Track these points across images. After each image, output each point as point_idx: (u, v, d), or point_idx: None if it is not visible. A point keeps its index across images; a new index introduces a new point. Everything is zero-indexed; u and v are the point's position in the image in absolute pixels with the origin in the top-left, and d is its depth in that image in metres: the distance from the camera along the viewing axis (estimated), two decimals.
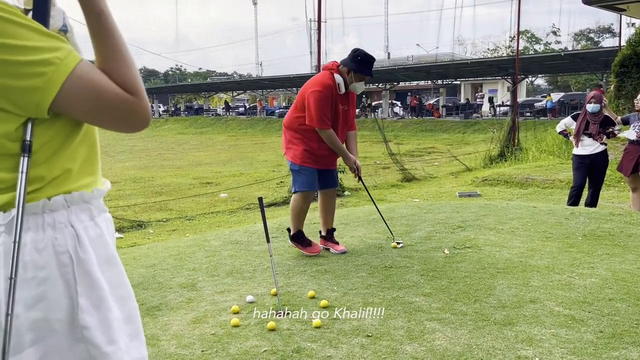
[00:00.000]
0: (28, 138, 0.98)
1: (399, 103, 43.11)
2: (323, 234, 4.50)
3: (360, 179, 4.41)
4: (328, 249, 4.41)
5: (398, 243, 4.43)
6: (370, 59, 4.19)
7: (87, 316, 1.01)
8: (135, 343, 1.12)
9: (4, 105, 0.96)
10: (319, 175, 4.30)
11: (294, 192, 4.30)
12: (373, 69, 4.27)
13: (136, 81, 1.05)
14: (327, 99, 4.04)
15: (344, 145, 4.32)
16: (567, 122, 7.03)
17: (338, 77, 4.12)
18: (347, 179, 11.47)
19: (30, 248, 0.98)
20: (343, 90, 4.14)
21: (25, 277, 0.97)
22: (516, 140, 15.55)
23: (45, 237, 1.00)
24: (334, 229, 4.49)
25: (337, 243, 4.44)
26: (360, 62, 4.14)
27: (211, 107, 55.82)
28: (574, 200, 6.76)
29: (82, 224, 1.06)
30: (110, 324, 1.06)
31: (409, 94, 44.46)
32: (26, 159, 0.98)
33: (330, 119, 4.08)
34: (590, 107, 6.52)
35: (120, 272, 1.13)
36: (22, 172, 0.97)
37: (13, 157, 0.99)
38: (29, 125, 0.98)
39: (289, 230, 4.37)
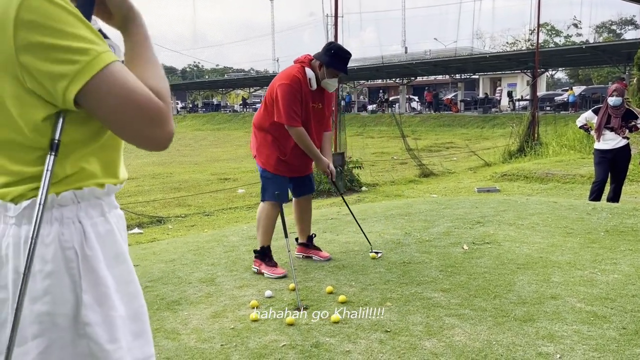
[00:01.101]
0: (57, 137, 0.98)
1: (416, 98, 42.82)
2: (302, 241, 4.17)
3: (333, 183, 4.10)
4: (310, 257, 4.11)
5: (376, 253, 4.07)
6: (345, 55, 3.79)
7: (90, 312, 1.01)
8: (139, 342, 1.11)
9: (35, 88, 0.95)
10: (293, 182, 4.01)
11: (263, 201, 3.93)
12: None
13: (167, 92, 1.04)
14: (295, 93, 3.66)
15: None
16: (587, 116, 6.91)
17: (309, 72, 3.74)
18: (364, 174, 11.45)
19: (37, 242, 0.98)
20: (314, 86, 3.75)
21: (31, 271, 0.97)
22: (536, 135, 15.34)
23: (52, 232, 0.99)
24: (313, 235, 4.19)
25: (320, 249, 4.14)
26: (333, 56, 3.73)
27: (228, 104, 56.05)
28: (595, 196, 6.65)
29: (91, 220, 1.05)
30: (113, 321, 1.05)
31: (427, 88, 44.15)
32: (52, 157, 0.98)
33: (300, 116, 3.69)
34: (613, 100, 6.40)
35: (129, 269, 1.12)
36: (47, 170, 0.97)
37: (31, 150, 0.99)
38: (60, 123, 0.98)
39: (255, 251, 3.89)
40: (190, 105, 58.51)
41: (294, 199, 4.15)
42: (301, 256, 4.15)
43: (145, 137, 0.99)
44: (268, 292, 3.37)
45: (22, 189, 1.00)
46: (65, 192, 1.01)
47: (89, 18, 1.02)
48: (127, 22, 1.09)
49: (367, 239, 4.26)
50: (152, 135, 0.99)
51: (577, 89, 33.33)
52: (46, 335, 0.99)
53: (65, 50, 0.92)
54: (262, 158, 3.86)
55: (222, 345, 2.67)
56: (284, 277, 3.68)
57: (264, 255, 3.83)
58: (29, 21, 0.91)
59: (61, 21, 0.92)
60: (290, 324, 2.87)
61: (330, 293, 3.32)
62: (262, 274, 3.74)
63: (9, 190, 1.00)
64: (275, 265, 3.79)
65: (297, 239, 4.19)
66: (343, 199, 4.55)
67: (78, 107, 0.96)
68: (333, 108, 11.40)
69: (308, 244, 4.15)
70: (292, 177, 3.96)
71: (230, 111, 48.74)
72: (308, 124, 3.77)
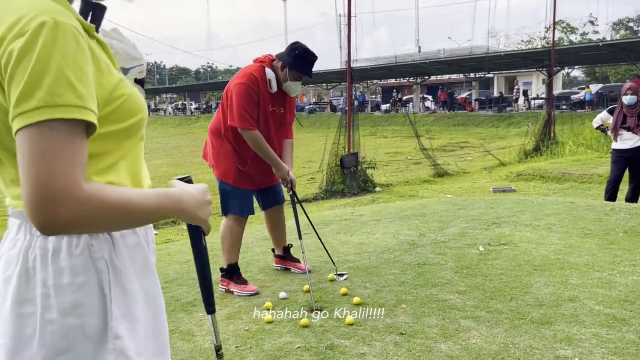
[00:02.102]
0: None
1: (430, 97, 42.62)
2: (278, 252, 3.95)
3: (294, 193, 3.64)
4: (289, 269, 3.90)
5: (340, 275, 3.66)
6: (310, 57, 3.50)
7: (119, 325, 0.99)
8: (159, 359, 1.10)
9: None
10: (258, 194, 3.74)
11: (224, 215, 3.61)
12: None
13: (121, 202, 0.93)
14: (251, 94, 3.36)
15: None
16: (603, 117, 6.81)
17: (269, 72, 3.44)
18: (378, 174, 11.42)
19: (66, 253, 0.96)
20: (274, 88, 3.45)
21: (61, 283, 0.95)
22: (552, 134, 15.17)
23: (80, 243, 0.97)
24: (290, 246, 3.95)
25: (297, 260, 3.90)
26: (297, 57, 3.45)
27: None
28: (610, 195, 6.55)
29: (119, 231, 1.03)
30: (138, 335, 1.03)
31: (440, 87, 43.90)
32: None
33: (254, 119, 3.38)
34: (627, 99, 6.29)
35: (155, 283, 1.11)
36: None
37: None
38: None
39: (221, 269, 3.61)
40: (204, 106, 58.88)
41: (263, 211, 3.87)
42: (280, 267, 3.96)
43: (33, 205, 0.85)
44: (282, 294, 3.37)
45: None
46: None
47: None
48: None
49: (329, 255, 3.90)
50: (34, 209, 0.85)
51: (594, 87, 32.88)
52: (75, 350, 0.96)
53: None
54: (220, 169, 3.55)
55: (236, 346, 2.68)
56: (256, 294, 3.45)
57: (231, 273, 3.55)
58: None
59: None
60: (305, 326, 2.87)
61: (345, 295, 3.32)
62: (232, 292, 3.50)
63: None
64: (245, 282, 3.53)
65: (273, 250, 3.99)
66: (304, 210, 3.96)
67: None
68: (350, 110, 11.40)
69: (285, 256, 3.92)
70: (256, 190, 3.70)
71: None
72: (267, 129, 3.48)
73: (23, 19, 0.87)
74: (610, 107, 6.87)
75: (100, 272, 0.98)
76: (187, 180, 1.15)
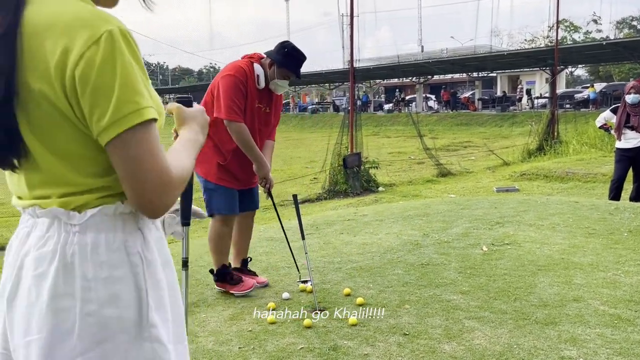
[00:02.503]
0: None
1: (433, 97, 42.55)
2: (235, 265, 3.64)
3: (270, 194, 3.54)
4: (227, 292, 3.54)
5: (304, 282, 3.52)
6: (300, 56, 3.45)
7: (154, 315, 1.05)
8: (181, 347, 1.15)
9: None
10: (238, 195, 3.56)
11: (211, 216, 3.48)
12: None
13: (183, 173, 1.06)
14: (240, 86, 3.28)
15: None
16: (606, 116, 6.79)
17: (258, 68, 3.38)
18: (381, 174, 11.40)
19: (104, 248, 1.02)
20: (262, 84, 3.38)
21: (101, 276, 1.01)
22: (556, 133, 15.13)
23: (116, 239, 1.03)
24: (249, 259, 3.74)
25: (255, 274, 3.68)
26: (287, 55, 3.40)
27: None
28: (614, 194, 6.53)
29: (147, 227, 1.10)
30: (168, 324, 1.10)
31: (444, 87, 43.83)
32: None
33: (242, 111, 3.29)
34: (630, 98, 6.26)
35: (175, 275, 1.17)
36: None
37: (96, 163, 1.03)
38: None
39: (212, 271, 3.52)
40: None
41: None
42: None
43: (148, 201, 1.00)
44: (285, 294, 3.36)
45: (85, 198, 1.03)
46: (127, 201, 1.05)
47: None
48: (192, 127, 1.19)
49: (295, 263, 3.71)
50: (151, 203, 1.01)
51: (598, 86, 32.76)
52: (113, 340, 1.01)
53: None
54: (203, 167, 3.42)
55: (240, 347, 2.67)
56: (257, 286, 3.45)
57: (224, 276, 3.46)
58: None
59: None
60: (308, 327, 2.86)
61: (348, 295, 3.31)
62: (233, 294, 3.43)
63: (70, 200, 1.03)
64: (240, 280, 3.47)
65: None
66: (276, 211, 3.86)
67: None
68: (353, 110, 11.39)
69: (242, 269, 3.65)
70: (238, 190, 3.53)
71: None
72: (252, 126, 3.38)
73: (90, 28, 0.94)
74: (614, 106, 6.84)
75: (136, 265, 1.04)
76: (187, 100, 1.25)
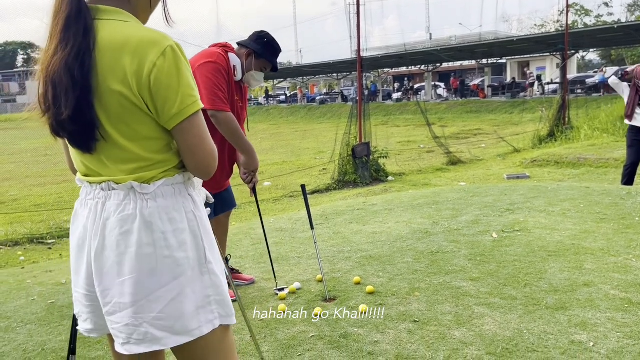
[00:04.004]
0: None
1: (442, 85, 42.24)
2: None
3: (254, 191, 3.36)
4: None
5: (281, 289, 3.35)
6: (277, 47, 3.22)
7: (210, 254, 1.41)
8: (223, 278, 1.49)
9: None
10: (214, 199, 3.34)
11: None
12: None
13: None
14: (222, 73, 2.95)
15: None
16: (613, 81, 6.75)
17: (234, 58, 3.07)
18: (390, 163, 11.38)
19: (171, 209, 1.36)
20: (239, 75, 3.10)
21: (170, 229, 1.35)
22: (567, 119, 14.97)
23: (176, 202, 1.38)
24: (228, 257, 3.61)
25: (238, 271, 3.60)
26: (266, 45, 3.16)
27: (252, 97, 56.32)
28: (628, 179, 6.46)
29: (194, 192, 1.45)
30: (218, 261, 1.46)
31: (453, 74, 43.47)
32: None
33: (227, 100, 2.97)
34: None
35: (209, 225, 1.51)
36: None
37: (160, 141, 1.35)
38: None
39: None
40: None
41: (214, 217, 3.29)
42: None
43: (206, 166, 1.39)
44: (296, 284, 3.39)
45: (152, 173, 1.35)
46: (183, 174, 1.41)
47: None
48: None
49: (272, 268, 3.54)
50: (208, 167, 1.40)
51: (610, 70, 32.34)
52: (185, 273, 1.36)
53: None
54: None
55: (251, 336, 2.70)
56: (253, 283, 3.52)
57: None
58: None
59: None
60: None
61: (358, 284, 3.32)
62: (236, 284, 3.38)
63: (142, 175, 1.34)
64: (238, 271, 3.53)
65: None
66: (259, 211, 3.75)
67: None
68: (361, 99, 11.34)
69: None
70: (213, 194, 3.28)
71: (255, 104, 49.00)
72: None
73: (157, 45, 1.27)
74: (620, 72, 6.76)
75: (191, 220, 1.40)
76: None
